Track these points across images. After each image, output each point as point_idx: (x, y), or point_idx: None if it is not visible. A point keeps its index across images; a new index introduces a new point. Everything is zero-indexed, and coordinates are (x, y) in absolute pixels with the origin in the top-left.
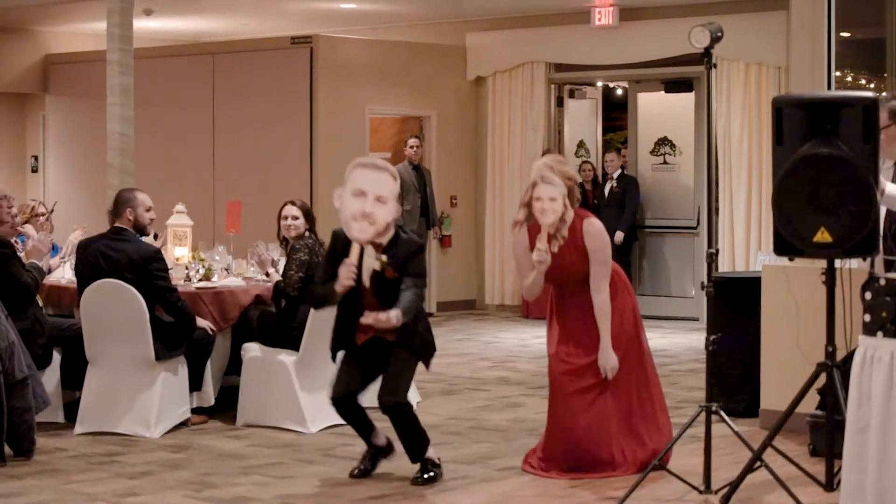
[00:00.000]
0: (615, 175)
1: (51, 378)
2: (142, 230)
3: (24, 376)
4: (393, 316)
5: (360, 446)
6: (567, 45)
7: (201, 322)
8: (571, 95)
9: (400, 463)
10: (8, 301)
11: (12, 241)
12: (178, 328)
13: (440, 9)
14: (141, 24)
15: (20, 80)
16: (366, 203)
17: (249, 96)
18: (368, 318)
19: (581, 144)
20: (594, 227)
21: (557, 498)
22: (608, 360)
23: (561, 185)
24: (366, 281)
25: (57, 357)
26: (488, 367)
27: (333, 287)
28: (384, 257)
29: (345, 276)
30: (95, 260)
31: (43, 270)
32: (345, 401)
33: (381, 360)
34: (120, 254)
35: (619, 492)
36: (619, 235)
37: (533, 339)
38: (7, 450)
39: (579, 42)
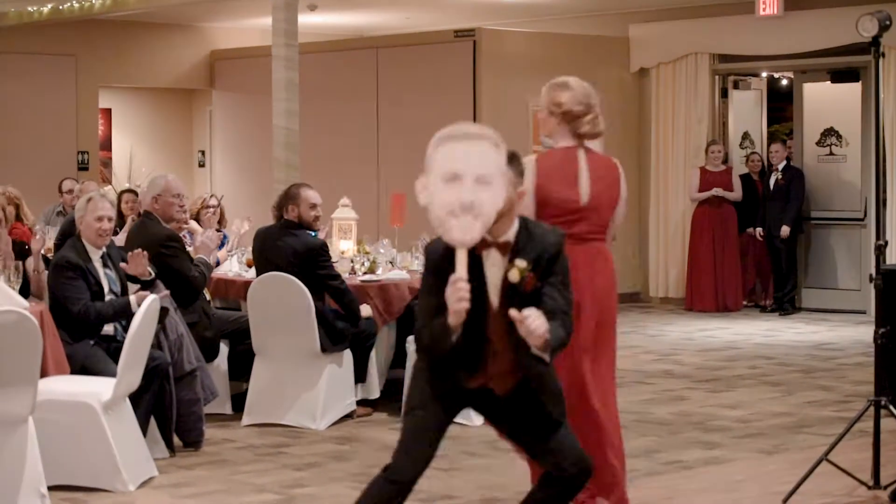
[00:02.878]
0: (780, 167)
1: (219, 370)
2: (307, 227)
3: (192, 368)
4: (543, 328)
5: None
6: (731, 36)
7: (365, 310)
8: (736, 86)
9: None
10: (176, 294)
11: (181, 235)
12: (343, 320)
13: (603, 0)
14: (305, 19)
15: (187, 77)
16: (463, 189)
17: (413, 90)
18: (519, 316)
19: (746, 136)
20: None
21: (722, 492)
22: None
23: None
24: (493, 300)
25: (224, 349)
26: (652, 360)
27: (446, 323)
28: (524, 263)
29: (454, 299)
30: (263, 252)
31: (210, 265)
32: (414, 482)
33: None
34: (286, 247)
35: (785, 486)
36: (786, 230)
37: (697, 332)
38: (176, 440)
39: (744, 32)
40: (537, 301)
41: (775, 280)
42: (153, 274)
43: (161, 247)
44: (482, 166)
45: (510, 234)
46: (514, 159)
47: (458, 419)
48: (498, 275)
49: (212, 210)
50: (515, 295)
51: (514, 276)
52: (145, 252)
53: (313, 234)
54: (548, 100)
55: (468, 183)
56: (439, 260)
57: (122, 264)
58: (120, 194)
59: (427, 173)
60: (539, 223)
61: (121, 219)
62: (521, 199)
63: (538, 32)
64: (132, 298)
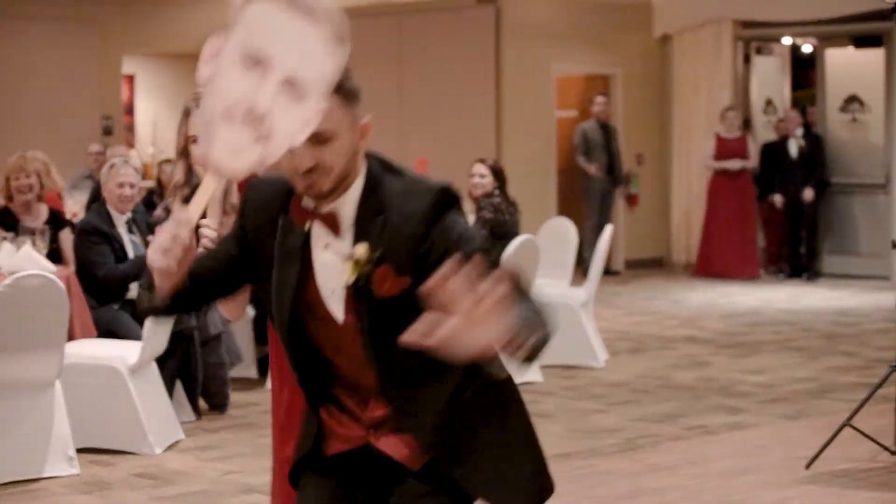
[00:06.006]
0: (798, 133)
1: (244, 333)
2: None
3: (217, 332)
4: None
5: (549, 404)
6: (754, 2)
7: None
8: (759, 52)
9: (591, 421)
10: None
11: None
12: None
13: None
14: None
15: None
16: (262, 85)
17: (435, 56)
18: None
19: (769, 102)
20: None
21: (745, 457)
22: None
23: None
24: (335, 311)
25: (250, 312)
26: (675, 325)
27: (147, 280)
28: (363, 250)
29: (153, 248)
30: None
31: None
32: None
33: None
34: None
35: (808, 451)
36: (810, 192)
37: (721, 298)
38: (202, 404)
39: None
40: (415, 311)
41: (795, 246)
42: None
43: None
44: (303, 65)
45: (347, 199)
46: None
47: None
48: (334, 270)
49: None
50: (370, 301)
51: (347, 273)
52: None
53: None
54: None
55: (272, 79)
56: (265, 201)
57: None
58: (160, 164)
59: (227, 36)
60: (408, 173)
61: (161, 188)
62: (364, 139)
63: None
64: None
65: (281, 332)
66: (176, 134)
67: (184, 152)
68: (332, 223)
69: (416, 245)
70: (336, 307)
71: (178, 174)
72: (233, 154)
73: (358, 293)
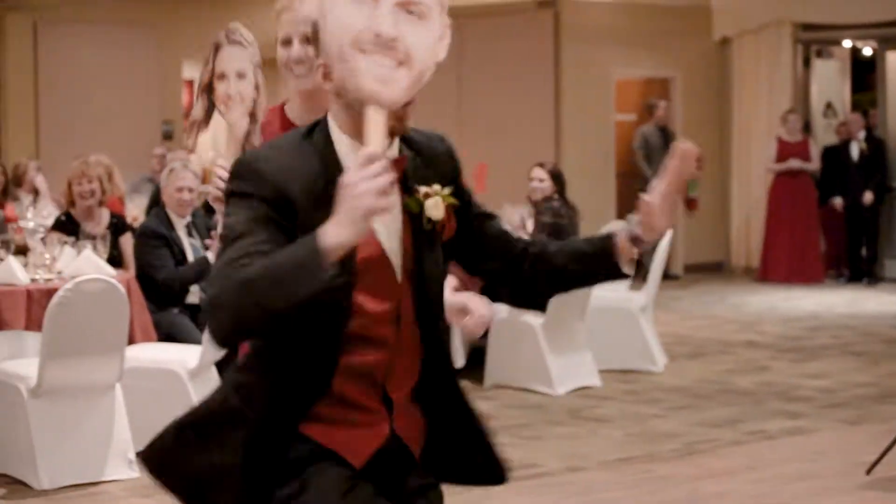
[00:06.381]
0: (861, 136)
1: None
2: None
3: None
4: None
5: (608, 408)
6: (814, 4)
7: (451, 280)
8: (818, 55)
9: (650, 425)
10: None
11: None
12: None
13: None
14: None
15: (270, 47)
16: (379, 12)
17: (494, 60)
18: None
19: (829, 106)
20: None
21: (805, 462)
22: None
23: (254, 49)
24: (394, 262)
25: None
26: (735, 329)
27: (313, 254)
28: (439, 188)
29: (366, 191)
30: None
31: None
32: None
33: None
34: None
35: (869, 456)
36: (869, 195)
37: (781, 302)
38: None
39: (827, 0)
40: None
41: (855, 250)
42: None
43: None
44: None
45: (393, 144)
46: None
47: (539, 387)
48: (394, 221)
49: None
50: (428, 248)
51: (435, 209)
52: None
53: None
54: None
55: (385, 5)
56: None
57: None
58: None
59: None
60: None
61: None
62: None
63: (620, 2)
64: (209, 253)
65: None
66: (202, 69)
67: (207, 88)
68: (401, 167)
69: (455, 185)
70: (397, 262)
71: (198, 111)
72: (383, 83)
73: (420, 241)
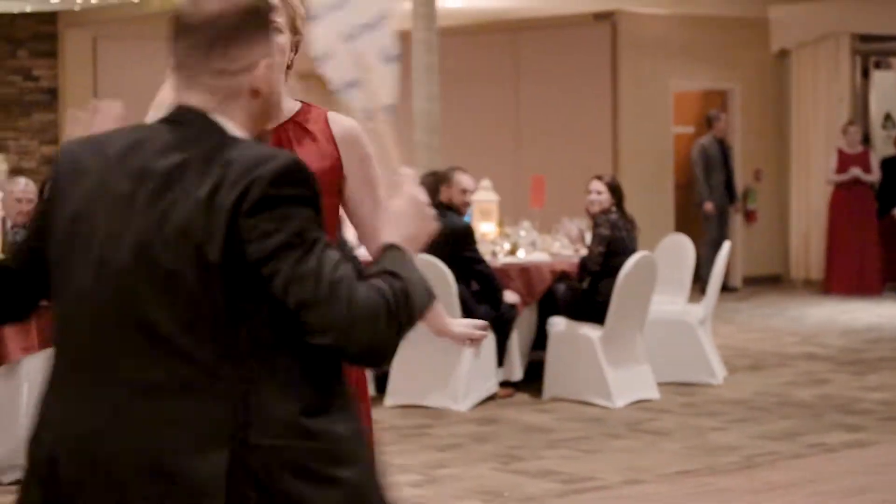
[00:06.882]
0: None
1: None
2: (456, 210)
3: None
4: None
5: (667, 421)
6: (873, 16)
7: (509, 295)
8: (877, 66)
9: (709, 438)
10: None
11: None
12: (484, 300)
13: None
14: (444, 3)
15: None
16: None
17: (552, 72)
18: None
19: (888, 117)
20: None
21: (865, 475)
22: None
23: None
24: None
25: None
26: (794, 342)
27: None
28: None
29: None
30: None
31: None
32: None
33: None
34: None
35: None
36: None
37: (840, 315)
38: None
39: (885, 12)
40: None
41: None
42: None
43: None
44: None
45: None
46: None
47: (598, 400)
48: None
49: None
50: None
51: None
52: None
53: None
54: None
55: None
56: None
57: None
58: None
59: None
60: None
61: None
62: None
63: (677, 14)
64: None
65: None
66: None
67: None
68: None
69: None
70: None
71: None
72: None
73: None
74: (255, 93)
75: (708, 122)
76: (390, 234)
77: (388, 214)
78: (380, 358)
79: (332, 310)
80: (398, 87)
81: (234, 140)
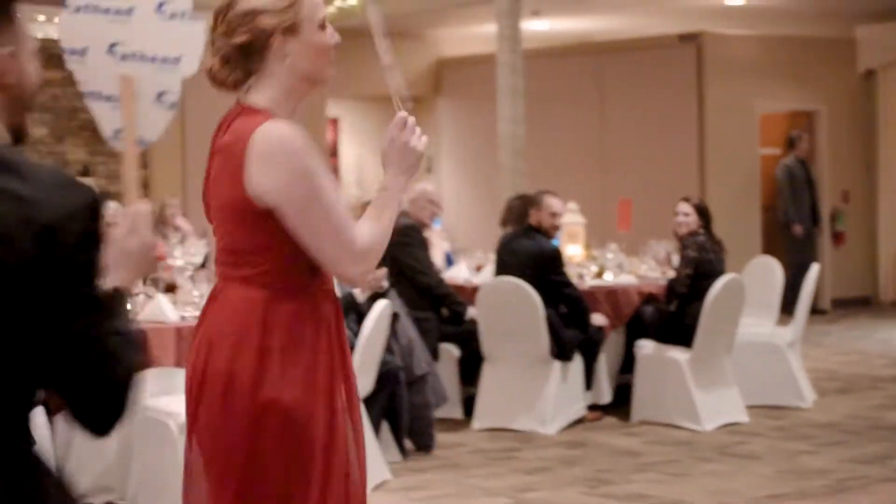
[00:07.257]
0: None
1: (449, 374)
2: (545, 233)
3: (423, 373)
4: None
5: (756, 444)
6: None
7: (596, 318)
8: None
9: (799, 462)
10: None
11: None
12: (572, 323)
13: (829, 2)
14: (529, 26)
15: (413, 85)
16: None
17: (637, 94)
18: None
19: None
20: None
21: None
22: None
23: None
24: None
25: (455, 353)
26: (885, 364)
27: None
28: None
29: None
30: (502, 255)
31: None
32: None
33: None
34: (521, 251)
35: None
36: None
37: None
38: (408, 444)
39: None
40: None
41: None
42: (385, 286)
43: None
44: None
45: None
46: None
47: (686, 423)
48: None
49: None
50: None
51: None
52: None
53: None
54: None
55: None
56: None
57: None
58: (363, 206)
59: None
60: None
61: None
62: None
63: (762, 35)
64: (356, 291)
65: None
66: None
67: None
68: None
69: None
70: None
71: None
72: None
73: None
74: (3, 86)
75: (790, 143)
76: (114, 276)
77: (116, 252)
78: None
79: None
80: (163, 131)
81: None
